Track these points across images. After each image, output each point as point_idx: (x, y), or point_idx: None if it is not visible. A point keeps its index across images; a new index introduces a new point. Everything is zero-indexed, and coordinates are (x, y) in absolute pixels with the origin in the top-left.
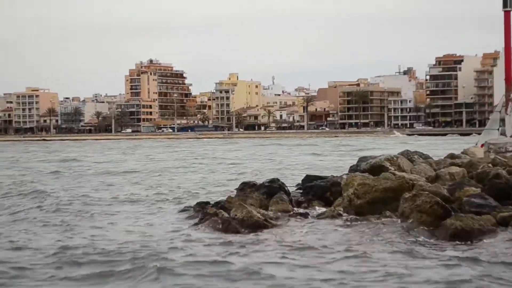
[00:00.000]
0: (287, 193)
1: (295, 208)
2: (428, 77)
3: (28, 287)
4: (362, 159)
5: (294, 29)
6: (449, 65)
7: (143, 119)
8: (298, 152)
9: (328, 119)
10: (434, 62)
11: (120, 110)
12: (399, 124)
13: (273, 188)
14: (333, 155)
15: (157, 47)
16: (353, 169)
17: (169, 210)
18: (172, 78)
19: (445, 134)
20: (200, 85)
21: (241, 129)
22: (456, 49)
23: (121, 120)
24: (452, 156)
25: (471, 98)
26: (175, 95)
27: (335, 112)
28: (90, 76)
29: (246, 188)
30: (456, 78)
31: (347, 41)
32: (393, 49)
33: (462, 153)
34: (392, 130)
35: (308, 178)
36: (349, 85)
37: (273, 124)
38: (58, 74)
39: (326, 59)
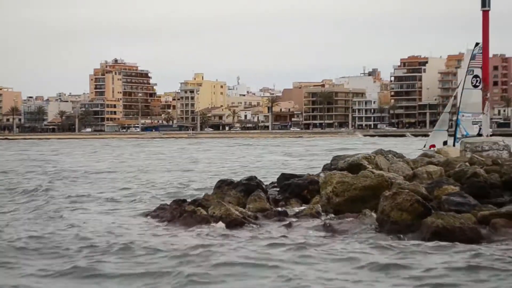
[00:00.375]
0: (265, 191)
1: (272, 207)
2: (392, 78)
3: None
4: (336, 158)
5: (260, 30)
6: (413, 66)
7: (107, 119)
8: (267, 152)
9: (293, 119)
10: (398, 64)
11: (84, 109)
12: (363, 124)
13: (251, 186)
14: (304, 155)
15: (122, 47)
16: (327, 167)
17: (143, 208)
18: (136, 78)
19: (403, 136)
20: (165, 85)
21: (209, 129)
22: (421, 51)
23: (85, 119)
24: (426, 155)
25: (435, 99)
26: (140, 94)
27: (299, 112)
28: (54, 76)
29: (223, 185)
30: (420, 80)
31: (312, 43)
32: (358, 51)
33: (436, 152)
34: (355, 131)
35: (284, 177)
36: (314, 85)
37: (237, 124)
38: (21, 73)
39: (292, 60)
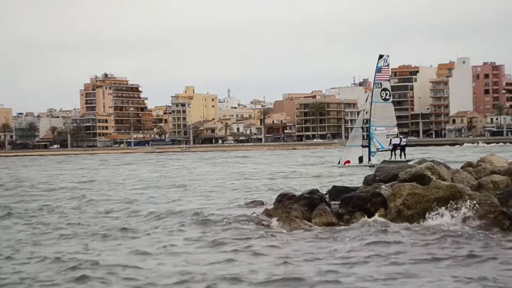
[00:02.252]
0: (328, 204)
1: (338, 221)
2: None
3: None
4: (380, 169)
5: (247, 40)
6: (404, 76)
7: (99, 134)
8: (273, 163)
9: (285, 131)
10: (389, 73)
11: (75, 125)
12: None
13: (314, 200)
14: (316, 167)
15: (112, 62)
16: (369, 179)
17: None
18: (127, 92)
19: None
20: (156, 98)
21: (200, 144)
22: (409, 61)
23: (77, 135)
24: (470, 164)
25: (427, 108)
26: (131, 109)
27: (292, 124)
28: (44, 91)
29: (284, 200)
30: (412, 89)
31: (300, 54)
32: (346, 62)
33: (479, 161)
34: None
35: (336, 189)
36: (304, 97)
37: (230, 137)
38: (11, 90)
39: (280, 72)
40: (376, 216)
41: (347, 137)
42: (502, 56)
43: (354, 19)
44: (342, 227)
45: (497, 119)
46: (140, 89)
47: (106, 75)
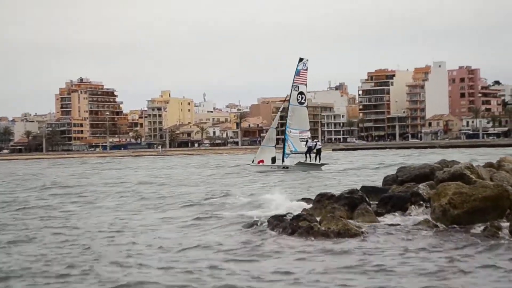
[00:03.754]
0: (369, 204)
1: (379, 220)
2: (360, 92)
3: None
4: (402, 169)
5: (222, 45)
6: (381, 80)
7: (75, 138)
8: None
9: (262, 134)
10: (366, 77)
11: (50, 129)
12: (333, 138)
13: (354, 199)
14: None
15: (87, 66)
16: (389, 179)
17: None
18: (102, 97)
19: (378, 148)
20: (131, 103)
21: (176, 148)
22: (385, 65)
23: (52, 139)
24: (490, 165)
25: (404, 112)
26: (107, 113)
27: (268, 127)
28: (18, 96)
29: (323, 199)
30: (388, 93)
31: (274, 58)
32: (320, 66)
33: (500, 161)
34: (326, 145)
35: (366, 189)
36: (280, 100)
37: (206, 141)
38: None
39: (254, 77)
40: (417, 216)
41: (323, 140)
42: (477, 60)
43: (328, 24)
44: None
45: (473, 122)
46: (115, 93)
47: (81, 79)
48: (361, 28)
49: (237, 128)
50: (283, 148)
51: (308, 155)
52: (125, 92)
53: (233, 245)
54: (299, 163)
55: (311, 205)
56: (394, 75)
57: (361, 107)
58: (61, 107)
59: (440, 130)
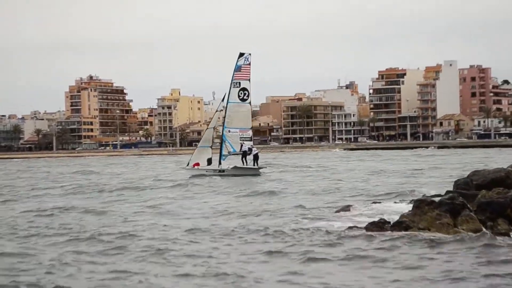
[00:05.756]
0: (471, 210)
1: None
2: (371, 91)
3: None
4: (476, 173)
5: (230, 43)
6: (391, 78)
7: (84, 136)
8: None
9: (272, 134)
10: (376, 76)
11: (60, 127)
12: (343, 138)
13: (456, 206)
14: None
15: (97, 64)
16: (461, 183)
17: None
18: (112, 94)
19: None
20: (140, 101)
21: (187, 146)
22: (395, 63)
23: (62, 137)
24: None
25: (415, 111)
26: (117, 111)
27: (279, 127)
28: (28, 93)
29: (422, 205)
30: (399, 92)
31: (283, 57)
32: (330, 65)
33: None
34: (337, 145)
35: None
36: (289, 99)
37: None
38: None
39: (262, 75)
40: None
41: (334, 140)
42: (488, 59)
43: (338, 22)
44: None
45: (484, 121)
46: (125, 91)
47: (91, 77)
48: (374, 26)
49: None
50: (220, 149)
51: (244, 159)
52: (134, 90)
53: (339, 254)
54: (235, 168)
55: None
56: (405, 74)
57: (372, 106)
58: (71, 105)
59: (452, 130)
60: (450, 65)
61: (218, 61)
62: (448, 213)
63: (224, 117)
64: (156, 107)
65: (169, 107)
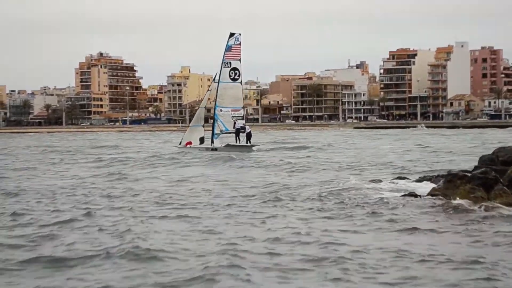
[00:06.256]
0: (504, 185)
1: None
2: (381, 70)
3: None
4: (501, 150)
5: (240, 23)
6: (403, 59)
7: (94, 112)
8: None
9: (282, 112)
10: (387, 56)
11: (70, 102)
12: (353, 117)
13: (489, 180)
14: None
15: (107, 41)
16: (486, 159)
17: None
18: (122, 71)
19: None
20: (150, 78)
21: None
22: (408, 44)
23: (72, 113)
24: None
25: (425, 91)
26: (127, 88)
27: (288, 105)
28: (38, 69)
29: (455, 179)
30: (410, 72)
31: (294, 36)
32: (340, 44)
33: None
34: (347, 123)
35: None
36: (299, 78)
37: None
38: (3, 68)
39: (271, 54)
40: None
41: (344, 118)
42: (500, 41)
43: (350, 2)
44: None
45: (494, 102)
46: (135, 68)
47: (101, 54)
48: (385, 5)
49: (257, 105)
50: (212, 128)
51: (237, 137)
52: (144, 67)
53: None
54: (228, 145)
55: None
56: (416, 55)
57: (382, 86)
58: (81, 81)
59: (462, 110)
60: (462, 46)
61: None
62: (481, 187)
63: (216, 96)
64: (166, 84)
65: (179, 84)
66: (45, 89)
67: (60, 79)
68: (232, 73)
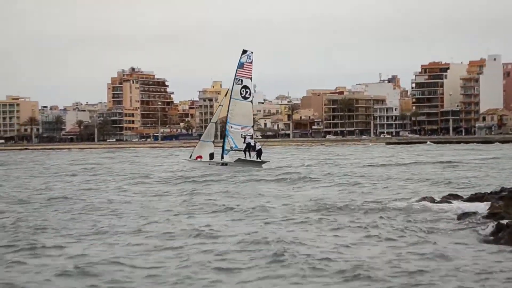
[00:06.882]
0: None
1: None
2: (413, 84)
3: None
4: None
5: (271, 36)
6: (435, 72)
7: (126, 128)
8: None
9: (313, 127)
10: (419, 70)
11: (102, 118)
12: (385, 132)
13: None
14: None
15: (138, 56)
16: None
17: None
18: (154, 86)
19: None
20: (181, 93)
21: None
22: (440, 57)
23: (104, 128)
24: None
25: (457, 106)
26: (159, 103)
27: (320, 120)
28: (70, 85)
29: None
30: (442, 86)
31: (322, 51)
32: (371, 59)
33: None
34: (379, 138)
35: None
36: (330, 93)
37: (258, 133)
38: (36, 83)
39: (302, 68)
40: None
41: (376, 133)
42: None
43: (381, 15)
44: None
45: None
46: (166, 83)
47: (133, 69)
48: (417, 19)
49: (288, 120)
50: (223, 144)
51: (247, 152)
52: (175, 82)
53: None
54: (239, 160)
55: (486, 204)
56: (448, 68)
57: (414, 100)
58: (113, 97)
59: (494, 124)
60: (494, 59)
61: (258, 53)
62: None
63: (228, 112)
64: (198, 99)
65: (210, 100)
66: (77, 105)
67: (92, 94)
68: (243, 91)
